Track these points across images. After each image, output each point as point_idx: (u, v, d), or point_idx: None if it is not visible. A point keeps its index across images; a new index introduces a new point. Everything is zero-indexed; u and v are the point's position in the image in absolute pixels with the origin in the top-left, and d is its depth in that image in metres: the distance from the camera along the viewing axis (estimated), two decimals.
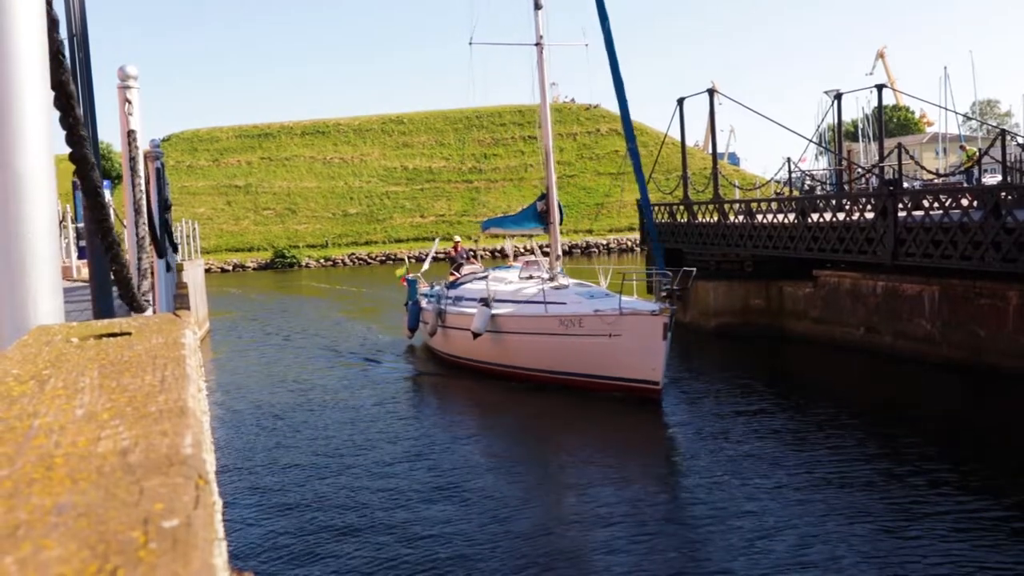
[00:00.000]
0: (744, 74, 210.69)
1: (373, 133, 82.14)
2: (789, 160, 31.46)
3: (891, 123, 78.38)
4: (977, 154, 28.47)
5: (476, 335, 18.50)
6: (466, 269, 23.96)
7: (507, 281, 20.34)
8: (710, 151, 38.37)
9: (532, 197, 75.58)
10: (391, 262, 68.21)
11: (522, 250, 26.87)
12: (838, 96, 35.58)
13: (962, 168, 29.37)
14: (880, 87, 34.33)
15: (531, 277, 20.36)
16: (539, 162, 78.98)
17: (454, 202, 75.12)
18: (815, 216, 21.33)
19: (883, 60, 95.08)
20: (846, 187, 33.82)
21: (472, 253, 26.76)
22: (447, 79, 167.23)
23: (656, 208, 32.11)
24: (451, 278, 23.57)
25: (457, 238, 27.36)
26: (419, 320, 22.84)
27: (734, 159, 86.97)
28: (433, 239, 72.33)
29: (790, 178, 34.39)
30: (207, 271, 38.62)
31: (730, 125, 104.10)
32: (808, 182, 38.05)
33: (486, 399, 18.07)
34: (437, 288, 23.26)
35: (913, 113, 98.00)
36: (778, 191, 34.34)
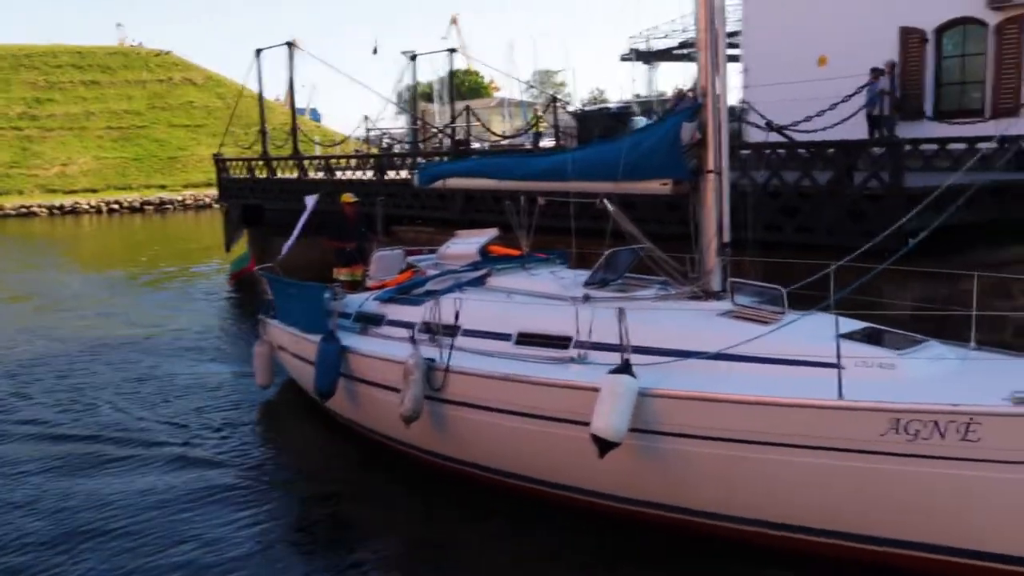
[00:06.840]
0: (333, 31, 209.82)
1: None
2: (367, 118, 32.13)
3: (463, 87, 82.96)
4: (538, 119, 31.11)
5: (607, 445, 7.43)
6: (385, 256, 13.40)
7: (593, 293, 9.18)
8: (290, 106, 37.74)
9: (97, 148, 69.73)
10: None
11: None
12: (413, 57, 36.81)
13: (529, 130, 31.97)
14: (452, 51, 36.07)
15: (604, 282, 9.52)
16: (102, 110, 72.19)
17: (2, 152, 66.40)
18: (392, 173, 21.84)
19: (456, 26, 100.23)
20: (421, 146, 35.20)
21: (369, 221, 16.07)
22: None
23: (234, 163, 30.92)
24: (349, 273, 14.54)
25: (353, 197, 15.62)
26: (340, 372, 10.59)
27: (316, 115, 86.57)
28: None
29: (367, 136, 35.07)
30: None
31: (311, 81, 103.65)
32: (387, 140, 39.07)
33: None
34: (366, 300, 11.60)
35: (483, 78, 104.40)
36: (358, 148, 34.77)
